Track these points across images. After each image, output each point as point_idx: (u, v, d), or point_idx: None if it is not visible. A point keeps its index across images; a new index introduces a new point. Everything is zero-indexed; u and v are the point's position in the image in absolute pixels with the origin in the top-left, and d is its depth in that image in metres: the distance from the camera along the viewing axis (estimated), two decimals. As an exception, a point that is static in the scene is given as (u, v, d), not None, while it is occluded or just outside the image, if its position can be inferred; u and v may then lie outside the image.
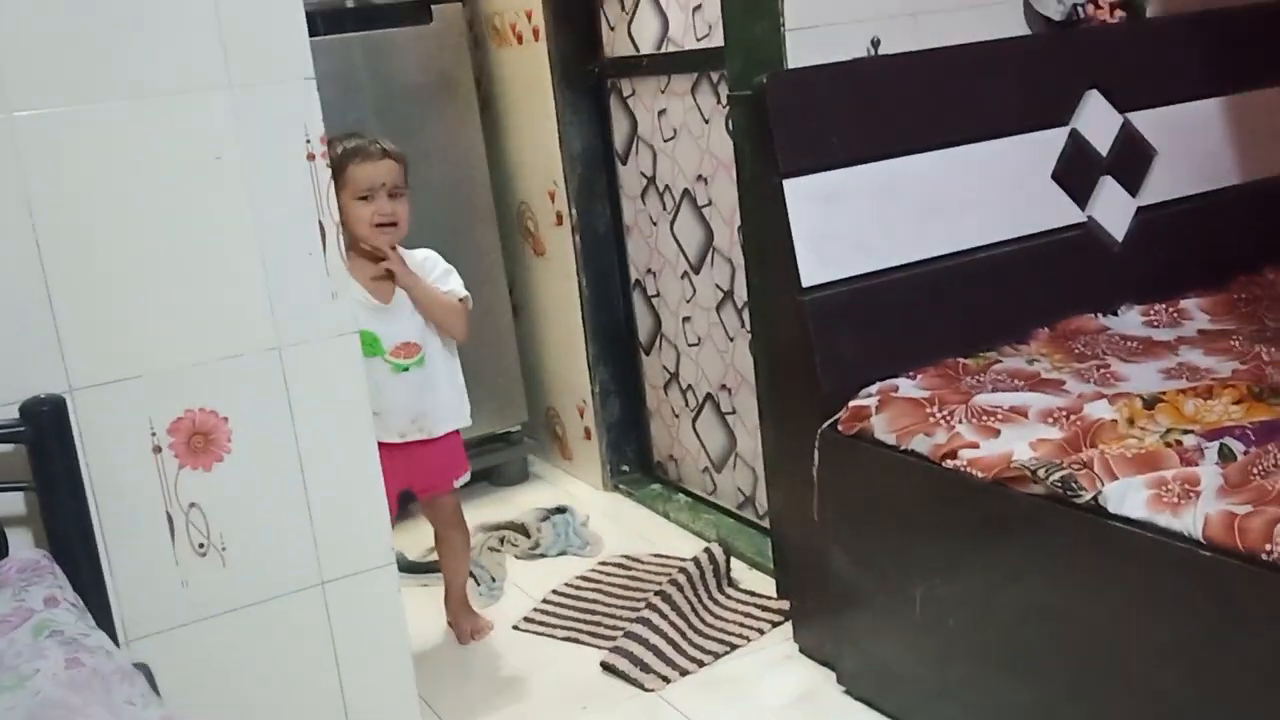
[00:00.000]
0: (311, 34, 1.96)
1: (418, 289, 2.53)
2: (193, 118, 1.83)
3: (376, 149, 2.48)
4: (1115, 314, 2.54)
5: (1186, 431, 1.89)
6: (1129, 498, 1.70)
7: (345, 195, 2.42)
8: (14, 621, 1.46)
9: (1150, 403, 2.02)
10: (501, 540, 3.26)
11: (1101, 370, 2.25)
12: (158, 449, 1.87)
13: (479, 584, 3.02)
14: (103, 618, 1.77)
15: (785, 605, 2.63)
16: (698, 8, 2.96)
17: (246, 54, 1.85)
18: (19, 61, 1.71)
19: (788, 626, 2.58)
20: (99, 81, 1.77)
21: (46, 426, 1.74)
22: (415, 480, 2.63)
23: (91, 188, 1.78)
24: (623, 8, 3.27)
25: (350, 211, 2.44)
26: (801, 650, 2.51)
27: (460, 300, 2.59)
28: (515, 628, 2.83)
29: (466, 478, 2.74)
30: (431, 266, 2.59)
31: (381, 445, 2.20)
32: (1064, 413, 2.02)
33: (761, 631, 2.62)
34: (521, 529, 3.30)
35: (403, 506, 2.72)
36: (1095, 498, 1.74)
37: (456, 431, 2.66)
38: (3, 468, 1.74)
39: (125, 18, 1.77)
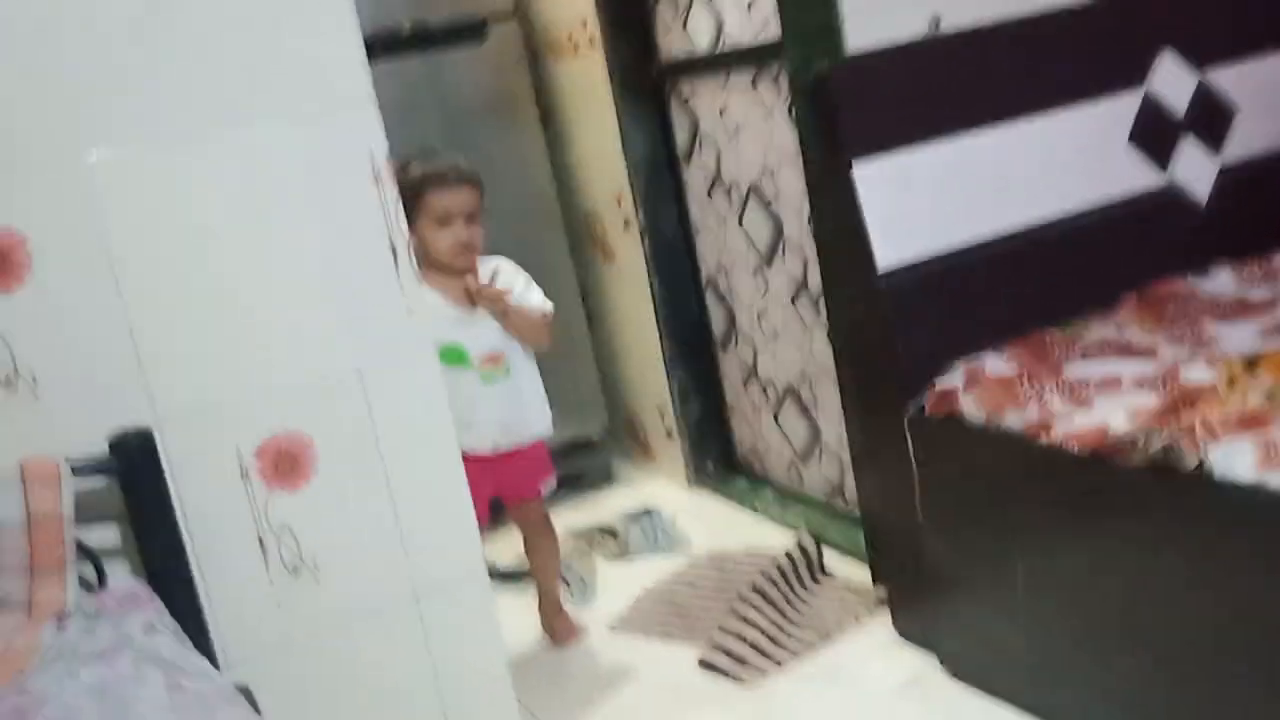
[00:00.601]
0: (370, 59, 1.97)
1: (507, 312, 2.52)
2: (261, 148, 1.85)
3: (454, 174, 2.46)
4: (1206, 275, 2.45)
5: (1291, 389, 1.82)
6: (1236, 460, 1.64)
7: (423, 220, 2.44)
8: (116, 650, 1.47)
9: (1251, 362, 1.95)
10: (591, 544, 3.26)
11: (1196, 332, 2.18)
12: (245, 474, 1.89)
13: (571, 588, 3.02)
14: (201, 642, 1.79)
15: (881, 592, 2.58)
16: (751, 3, 2.94)
17: (309, 83, 1.87)
18: (93, 102, 1.74)
19: (885, 613, 2.53)
20: (169, 119, 1.79)
21: (136, 460, 1.76)
22: (504, 488, 2.64)
23: (166, 222, 1.80)
24: (676, 9, 3.26)
25: (428, 236, 2.45)
26: (901, 635, 2.46)
27: (544, 314, 2.59)
28: (610, 629, 2.82)
29: (553, 483, 2.74)
30: (510, 279, 2.57)
31: (471, 457, 2.25)
32: (1160, 378, 1.95)
33: (858, 619, 2.58)
34: (610, 531, 3.29)
35: (493, 514, 2.72)
36: (1200, 464, 1.68)
37: (541, 441, 2.67)
38: (97, 501, 1.76)
39: (190, 55, 1.80)
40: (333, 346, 1.92)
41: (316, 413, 1.91)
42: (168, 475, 1.81)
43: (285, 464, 1.91)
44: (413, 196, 2.37)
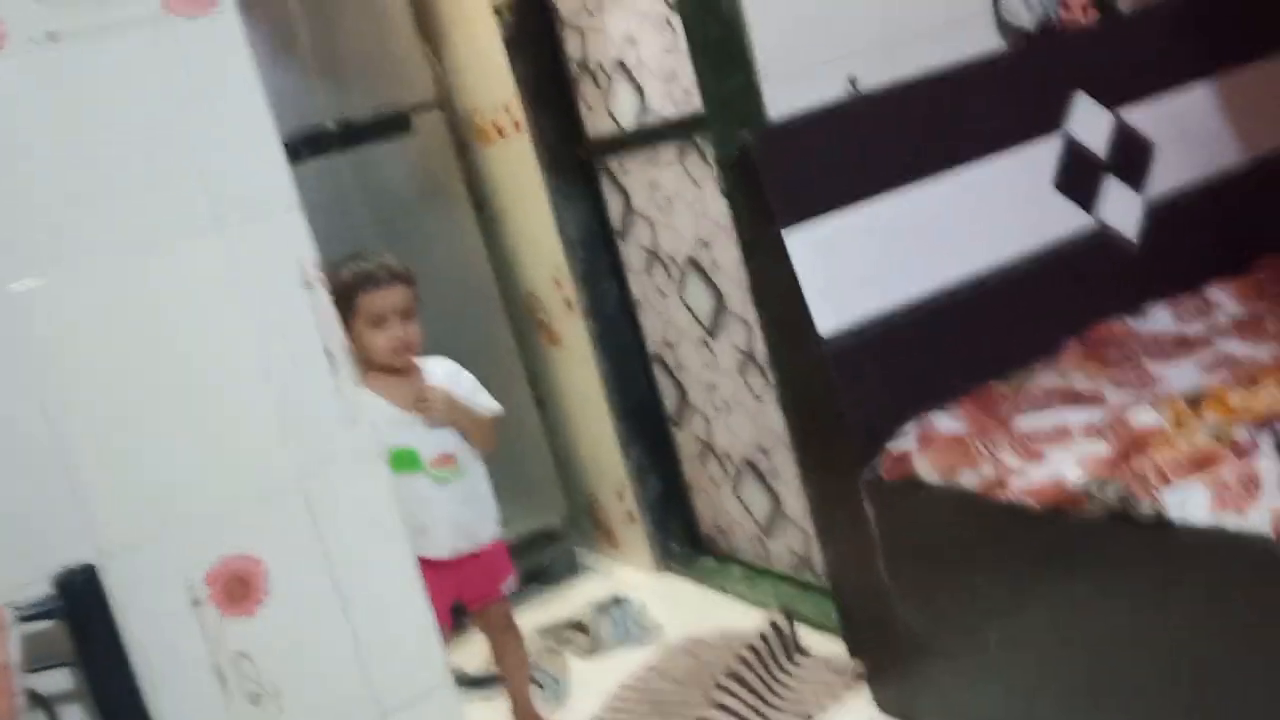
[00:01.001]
0: (295, 159, 1.96)
1: (456, 416, 2.50)
2: (187, 265, 1.82)
3: (384, 274, 2.44)
4: (1142, 315, 2.48)
5: (1236, 425, 1.83)
6: (1189, 503, 1.64)
7: (358, 323, 2.42)
8: (70, 808, 1.42)
9: (1194, 400, 1.96)
10: (560, 641, 3.20)
11: (1139, 374, 2.20)
12: (197, 602, 1.84)
13: (544, 688, 2.95)
14: (162, 785, 1.73)
15: (858, 666, 2.55)
16: (671, 76, 2.96)
17: (231, 196, 1.85)
18: (15, 231, 1.71)
19: (865, 687, 2.50)
20: (93, 244, 1.76)
21: (82, 598, 1.71)
22: (465, 591, 2.59)
23: (95, 347, 1.76)
24: (598, 86, 3.28)
25: (364, 339, 2.43)
26: (881, 709, 2.43)
27: (493, 416, 2.58)
28: (589, 728, 2.77)
29: (514, 582, 2.71)
30: (457, 381, 2.56)
31: (430, 562, 2.24)
32: (1108, 425, 1.96)
33: (838, 697, 2.54)
34: (579, 626, 3.23)
35: (456, 619, 2.67)
36: (1155, 509, 1.68)
37: (499, 541, 2.64)
38: (44, 645, 1.71)
39: (110, 178, 1.77)
40: (275, 459, 1.88)
41: (263, 532, 1.87)
42: (116, 611, 1.76)
43: (237, 588, 1.86)
44: (346, 300, 2.35)
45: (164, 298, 1.81)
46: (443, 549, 2.46)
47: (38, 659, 1.70)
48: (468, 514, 2.50)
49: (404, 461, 2.41)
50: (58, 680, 1.75)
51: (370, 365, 2.44)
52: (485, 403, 2.56)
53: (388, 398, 2.44)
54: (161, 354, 1.81)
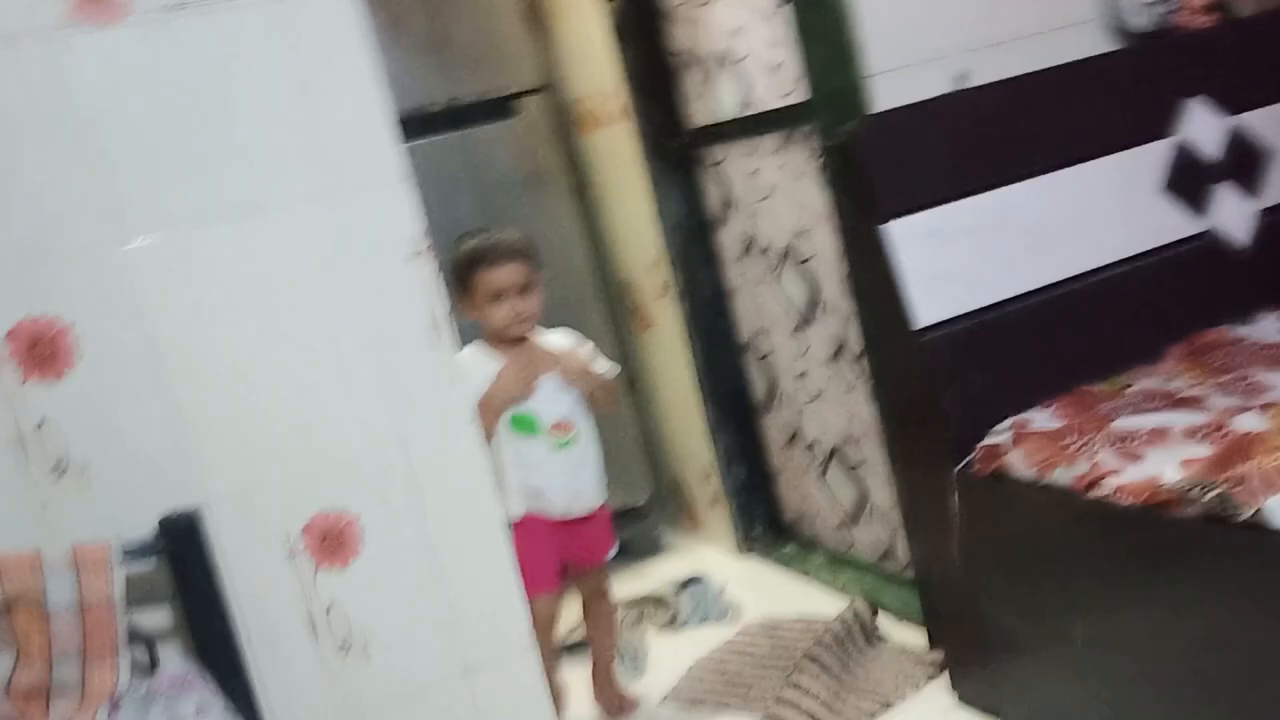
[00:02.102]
0: (404, 139, 2.01)
1: (582, 381, 2.59)
2: (299, 230, 1.88)
3: (501, 251, 2.50)
4: (1251, 322, 2.43)
5: (1344, 434, 1.79)
6: (1293, 509, 1.61)
7: (478, 297, 2.52)
8: (169, 734, 1.47)
9: (1302, 409, 1.92)
10: (640, 615, 3.23)
11: (1244, 382, 2.15)
12: (293, 552, 1.89)
13: (622, 660, 2.99)
14: (254, 724, 1.78)
15: (939, 656, 2.54)
16: (777, 66, 2.97)
17: (345, 165, 1.90)
18: (133, 189, 1.78)
19: (944, 678, 2.49)
20: (207, 204, 1.83)
21: (184, 541, 1.78)
22: (572, 554, 2.65)
23: (207, 305, 1.83)
24: (704, 76, 3.30)
25: (484, 312, 2.52)
26: (961, 701, 2.41)
27: (614, 379, 2.68)
28: (663, 701, 2.79)
29: (615, 550, 2.77)
30: (578, 343, 2.66)
31: (543, 521, 2.53)
32: (1210, 428, 1.93)
33: (918, 686, 2.53)
34: (659, 601, 3.26)
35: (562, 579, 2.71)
36: (1255, 514, 1.65)
37: (606, 507, 2.70)
38: (146, 584, 1.77)
39: (227, 141, 1.84)
40: (375, 421, 1.93)
41: (361, 489, 1.92)
42: (216, 556, 1.82)
43: (332, 541, 1.92)
44: (466, 275, 2.49)
45: (275, 260, 1.87)
46: (555, 510, 2.55)
47: (140, 596, 1.76)
48: (580, 479, 2.58)
49: (524, 425, 2.51)
50: (157, 618, 1.82)
51: (492, 336, 2.55)
52: (604, 367, 2.65)
53: (513, 363, 2.54)
54: (269, 314, 1.87)
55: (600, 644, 2.80)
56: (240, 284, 1.85)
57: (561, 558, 2.63)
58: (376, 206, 1.93)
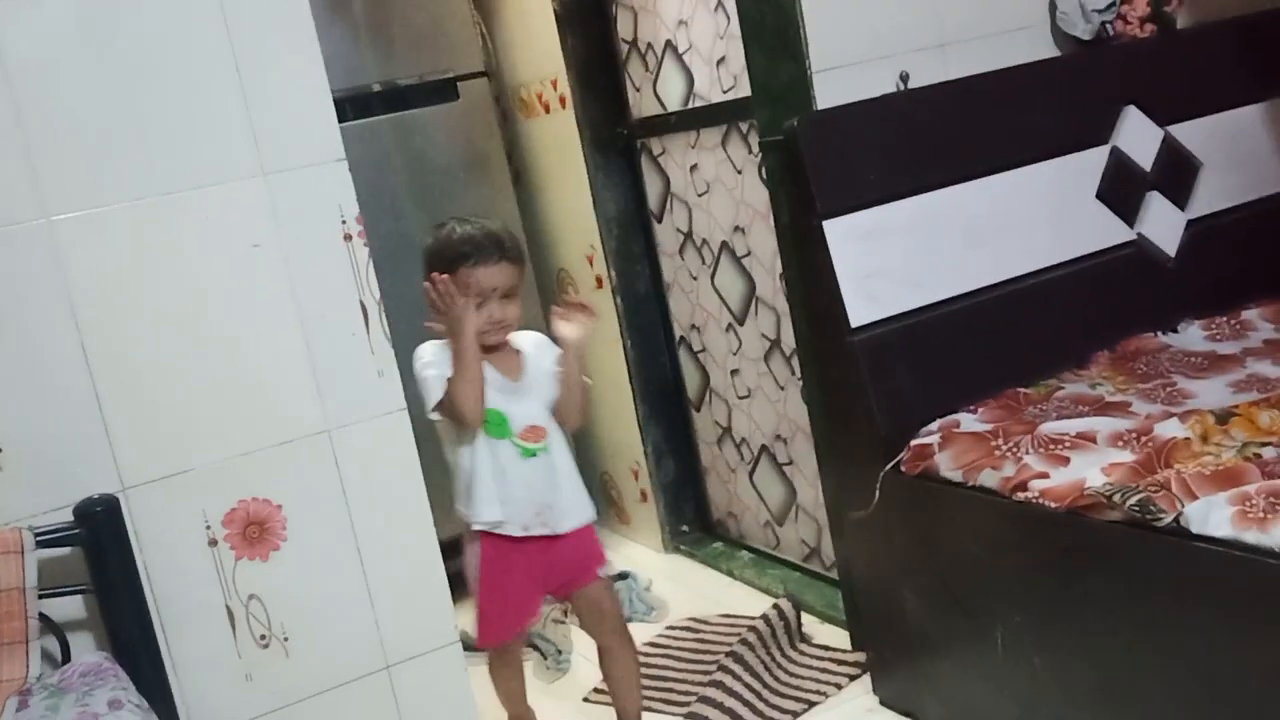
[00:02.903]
0: (341, 118, 1.97)
1: (578, 368, 2.29)
2: (228, 207, 1.84)
3: (494, 250, 2.18)
4: (1176, 331, 2.47)
5: (1264, 444, 1.82)
6: (1212, 516, 1.63)
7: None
8: (78, 727, 1.43)
9: (1223, 417, 1.95)
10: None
11: (1168, 389, 2.19)
12: (214, 541, 1.86)
13: (545, 657, 2.97)
14: (168, 717, 1.75)
15: (861, 657, 2.55)
16: (721, 60, 2.96)
17: (277, 141, 1.87)
18: (55, 166, 1.73)
19: (866, 678, 2.50)
20: (134, 181, 1.78)
21: (101, 528, 1.74)
22: (551, 578, 2.28)
23: (132, 285, 1.78)
24: (646, 68, 3.28)
25: None
26: (883, 702, 2.43)
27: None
28: (585, 700, 2.77)
29: (610, 568, 2.38)
30: (547, 346, 2.32)
31: (507, 540, 2.19)
32: (1134, 434, 1.95)
33: (839, 686, 2.54)
34: (585, 597, 3.24)
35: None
36: (1177, 519, 1.67)
37: (589, 525, 2.33)
38: (61, 571, 1.73)
39: (156, 116, 1.79)
40: (302, 408, 1.90)
41: (285, 477, 1.89)
42: (134, 544, 1.78)
43: (254, 531, 1.88)
44: (447, 268, 2.15)
45: (202, 239, 1.83)
46: (513, 526, 2.20)
47: (55, 585, 1.72)
48: (545, 495, 2.22)
49: (495, 424, 2.19)
50: (71, 607, 1.77)
51: None
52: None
53: (488, 361, 2.19)
54: (196, 293, 1.83)
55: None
56: (165, 263, 1.81)
57: (540, 586, 2.28)
58: (310, 186, 1.90)
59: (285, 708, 1.91)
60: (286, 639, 1.90)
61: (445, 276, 2.10)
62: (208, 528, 1.86)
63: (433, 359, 2.15)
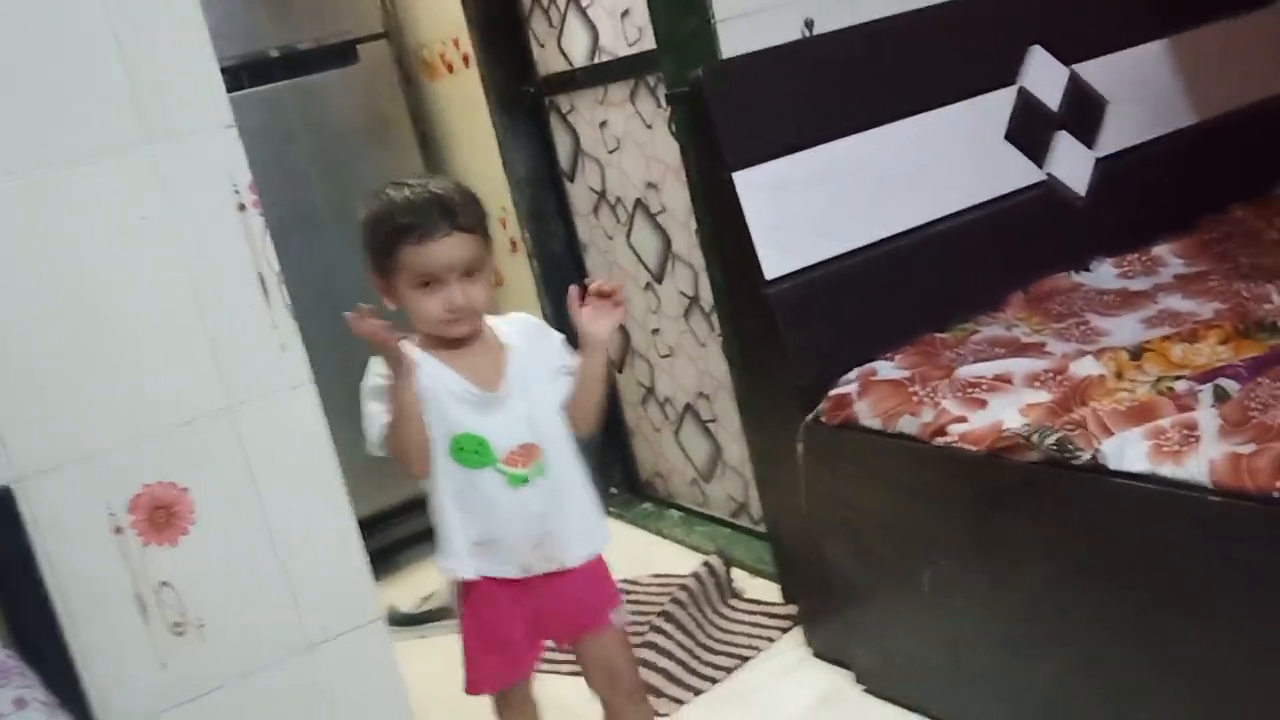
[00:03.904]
0: (236, 87, 1.90)
1: (599, 369, 1.84)
2: (113, 180, 1.76)
3: (442, 220, 1.73)
4: (1088, 269, 2.48)
5: (1177, 378, 1.84)
6: (1128, 451, 1.64)
7: (399, 281, 1.74)
8: (-23, 731, 1.37)
9: (1136, 353, 1.96)
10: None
11: (1082, 327, 2.20)
12: (119, 529, 1.79)
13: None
14: (79, 712, 1.69)
15: (793, 610, 2.55)
16: (625, 13, 2.91)
17: (161, 107, 1.78)
18: (-80, 143, 1.64)
19: (798, 631, 2.51)
20: (12, 155, 1.69)
21: (-5, 521, 1.66)
22: (552, 623, 1.89)
23: (13, 267, 1.70)
24: (550, 23, 3.22)
25: (410, 302, 1.76)
26: (815, 654, 2.44)
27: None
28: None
29: (624, 612, 1.96)
30: (542, 333, 1.88)
31: (496, 581, 1.81)
32: (1050, 374, 1.96)
33: (772, 640, 2.54)
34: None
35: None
36: (1094, 456, 1.68)
37: (599, 556, 1.92)
38: (-45, 570, 1.65)
39: (32, 87, 1.70)
40: (203, 387, 1.83)
41: (189, 459, 1.83)
42: (32, 536, 1.71)
43: (160, 517, 1.82)
44: (384, 250, 1.74)
45: (90, 213, 1.75)
46: (509, 566, 1.81)
47: (-50, 583, 1.64)
48: (545, 524, 1.80)
49: (471, 453, 1.76)
50: (-30, 605, 1.70)
51: (420, 332, 1.80)
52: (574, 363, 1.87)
53: (455, 367, 1.77)
54: (86, 270, 1.75)
55: None
56: (51, 239, 1.73)
57: (538, 630, 1.89)
58: (200, 155, 1.82)
59: (204, 695, 1.85)
60: (202, 625, 1.84)
61: (365, 312, 1.65)
62: (111, 515, 1.78)
63: (375, 386, 1.75)
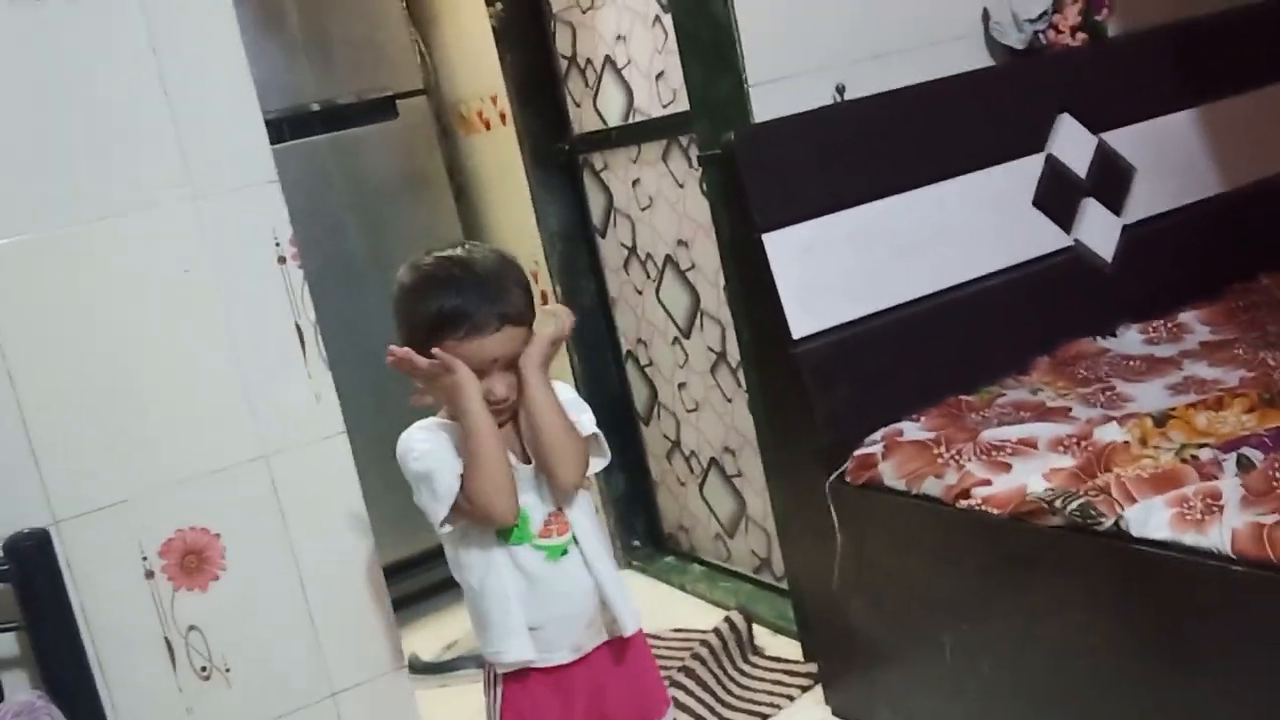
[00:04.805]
0: (277, 140, 1.95)
1: (542, 389, 1.71)
2: (158, 232, 1.81)
3: (492, 318, 1.63)
4: (1114, 335, 2.49)
5: (1201, 445, 1.84)
6: (1151, 519, 1.65)
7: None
8: (8, 770, 1.40)
9: (1161, 420, 1.97)
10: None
11: (1107, 393, 2.21)
12: (150, 574, 1.82)
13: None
14: (105, 755, 1.71)
15: (813, 668, 2.55)
16: (660, 75, 2.96)
17: (207, 163, 1.84)
18: (-24, 193, 1.69)
19: (818, 689, 2.50)
20: (60, 206, 1.75)
21: (32, 562, 1.70)
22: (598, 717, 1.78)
23: (61, 310, 1.75)
24: (586, 83, 3.28)
25: (443, 387, 1.68)
26: (835, 713, 2.43)
27: (587, 436, 1.78)
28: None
29: (670, 714, 1.88)
30: (575, 409, 1.80)
31: (540, 677, 1.72)
32: (1074, 439, 1.97)
33: (792, 698, 2.54)
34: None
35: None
36: (1117, 523, 1.68)
37: (648, 653, 1.86)
38: (-9, 609, 1.69)
39: (82, 140, 1.76)
40: (238, 435, 1.87)
41: (222, 506, 1.86)
42: (67, 578, 1.74)
43: (191, 561, 1.85)
44: (425, 337, 1.65)
45: (132, 264, 1.80)
46: (561, 650, 1.72)
47: (-15, 622, 1.68)
48: (592, 595, 1.74)
49: (512, 527, 1.70)
50: (3, 644, 1.73)
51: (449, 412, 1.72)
52: (585, 420, 1.80)
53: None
54: (126, 319, 1.80)
55: None
56: (95, 289, 1.78)
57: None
58: (242, 208, 1.88)
59: (228, 740, 1.88)
60: (228, 670, 1.87)
61: (420, 359, 1.63)
62: (144, 559, 1.82)
63: (428, 449, 1.66)
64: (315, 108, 3.37)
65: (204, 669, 1.85)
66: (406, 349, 1.65)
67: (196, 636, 1.85)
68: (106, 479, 1.79)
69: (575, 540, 1.73)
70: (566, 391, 1.82)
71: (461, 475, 1.64)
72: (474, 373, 1.64)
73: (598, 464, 1.82)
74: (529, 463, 1.72)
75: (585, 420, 1.79)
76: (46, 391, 1.74)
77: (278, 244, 1.89)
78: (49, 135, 1.74)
